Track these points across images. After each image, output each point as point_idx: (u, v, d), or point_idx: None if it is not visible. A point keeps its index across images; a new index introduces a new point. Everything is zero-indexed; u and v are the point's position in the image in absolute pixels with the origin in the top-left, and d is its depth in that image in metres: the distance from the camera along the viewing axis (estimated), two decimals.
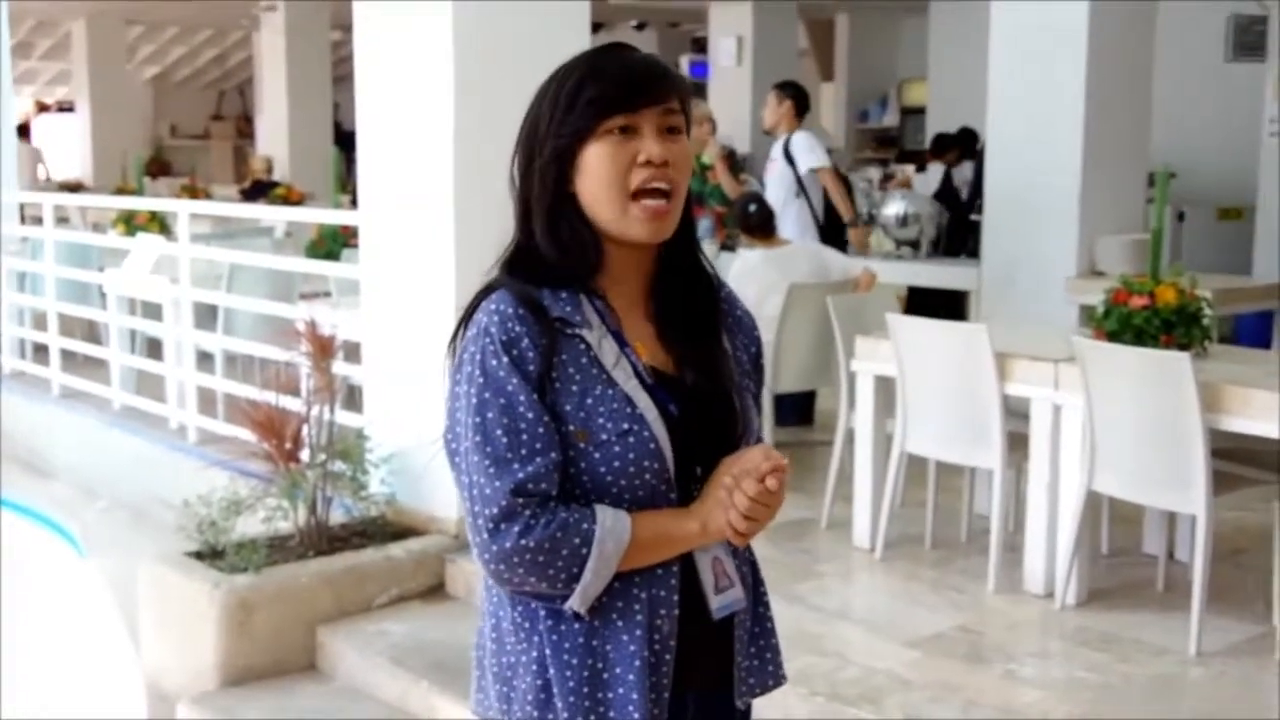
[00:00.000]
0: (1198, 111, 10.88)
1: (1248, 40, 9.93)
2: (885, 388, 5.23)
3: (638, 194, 1.84)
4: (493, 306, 1.86)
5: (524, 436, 1.80)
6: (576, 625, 1.85)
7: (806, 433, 7.14)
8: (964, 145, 10.28)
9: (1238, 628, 4.46)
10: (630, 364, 1.88)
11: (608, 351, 1.87)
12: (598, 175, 1.84)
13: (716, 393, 1.93)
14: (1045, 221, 7.09)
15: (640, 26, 19.01)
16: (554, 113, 1.85)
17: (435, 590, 5.01)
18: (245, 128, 20.75)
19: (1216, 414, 4.34)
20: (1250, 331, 8.61)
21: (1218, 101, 10.76)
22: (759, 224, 6.55)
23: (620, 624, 1.86)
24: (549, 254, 1.87)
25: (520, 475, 1.79)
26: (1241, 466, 4.68)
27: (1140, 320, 4.69)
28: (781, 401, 6.62)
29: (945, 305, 9.04)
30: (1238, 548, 5.19)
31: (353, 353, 5.76)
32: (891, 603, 4.90)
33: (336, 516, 5.17)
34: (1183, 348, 4.60)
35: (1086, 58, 6.88)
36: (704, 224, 7.65)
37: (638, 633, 1.85)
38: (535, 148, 1.88)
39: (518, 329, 1.83)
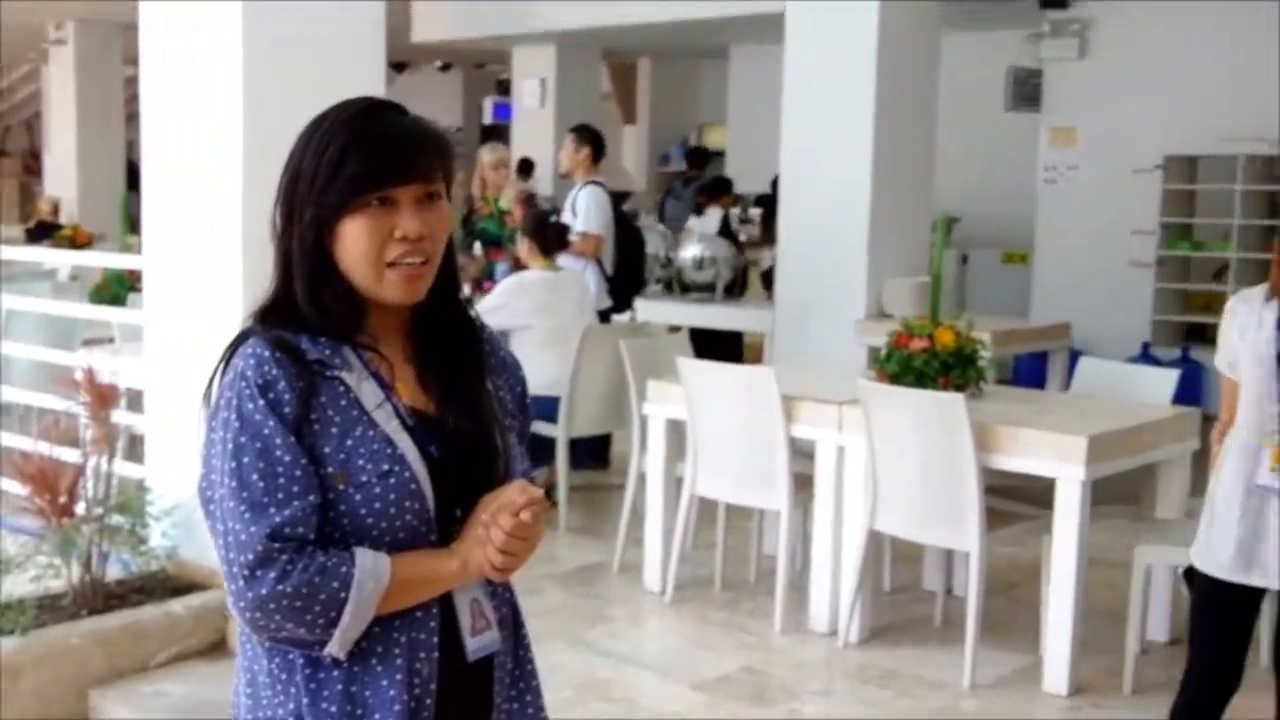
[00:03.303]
0: (981, 159, 11.34)
1: (1025, 92, 10.38)
2: (677, 431, 5.28)
3: (393, 263, 1.84)
4: (249, 351, 1.84)
5: (281, 480, 1.78)
6: (335, 673, 1.83)
7: (601, 476, 7.17)
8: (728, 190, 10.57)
9: (1009, 659, 4.62)
10: (392, 406, 1.88)
11: (368, 393, 1.86)
12: (354, 248, 1.83)
13: (478, 433, 1.93)
14: (836, 265, 7.28)
15: (445, 67, 18.99)
16: (315, 178, 1.84)
17: (217, 647, 4.86)
18: (32, 164, 20.01)
19: (990, 453, 4.49)
20: (1028, 371, 8.98)
21: (999, 150, 11.22)
22: (555, 238, 6.56)
23: (380, 669, 1.84)
24: (310, 313, 1.86)
25: (277, 520, 1.77)
26: (1014, 503, 4.86)
27: (920, 362, 4.83)
28: (577, 445, 6.64)
29: (725, 347, 9.20)
30: (1012, 582, 5.38)
31: (136, 401, 5.58)
32: (681, 646, 4.94)
33: (114, 572, 4.97)
34: (959, 389, 4.75)
35: (874, 107, 7.11)
36: (501, 267, 7.64)
37: (398, 677, 1.84)
38: (295, 207, 1.86)
39: (274, 372, 1.80)
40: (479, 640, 1.92)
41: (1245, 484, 3.19)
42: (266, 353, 1.82)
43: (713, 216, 9.94)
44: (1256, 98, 9.20)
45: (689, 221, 10.26)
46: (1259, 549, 3.17)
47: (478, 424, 1.94)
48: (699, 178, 11.30)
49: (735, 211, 11.01)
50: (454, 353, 1.96)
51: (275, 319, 1.88)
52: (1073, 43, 10.17)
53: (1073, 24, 10.19)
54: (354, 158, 1.83)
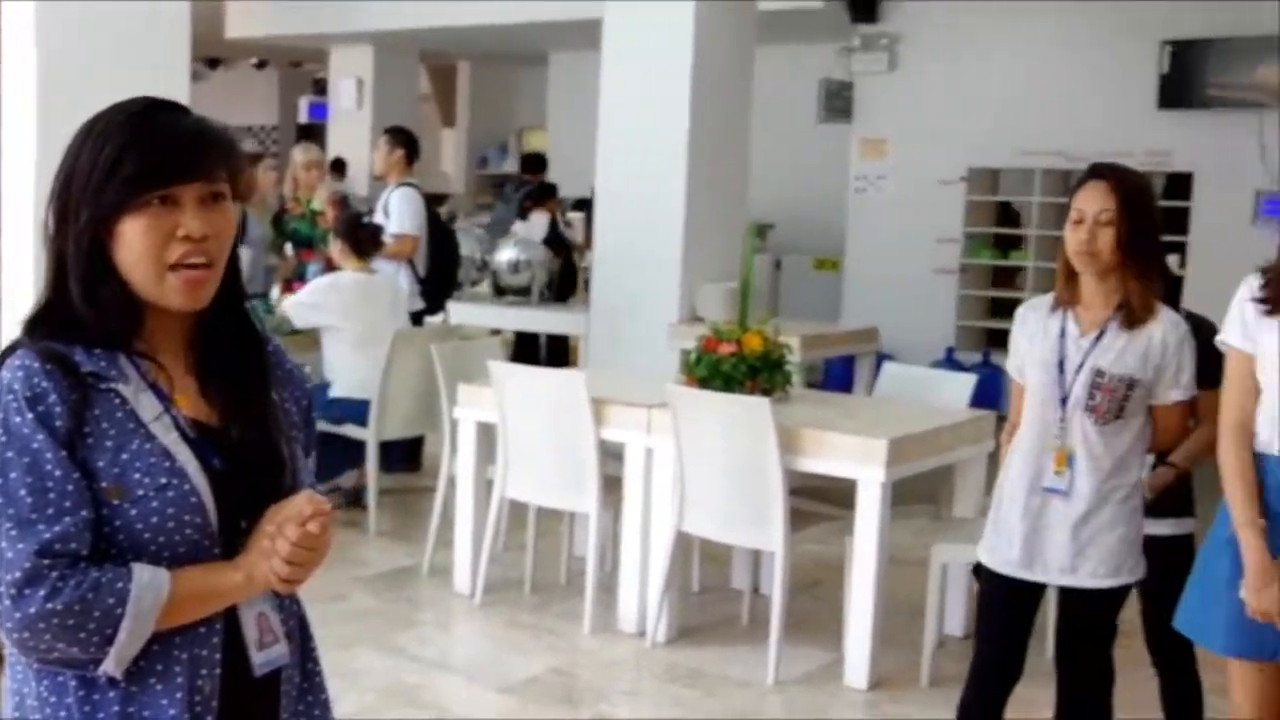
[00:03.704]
0: (795, 168, 11.56)
1: (837, 104, 10.63)
2: (487, 434, 5.27)
3: (176, 265, 1.80)
4: (16, 363, 1.77)
5: (51, 495, 1.72)
6: (111, 693, 1.77)
7: (413, 479, 7.11)
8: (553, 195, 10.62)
9: (813, 655, 4.72)
10: (171, 418, 1.82)
11: (146, 405, 1.81)
12: (134, 248, 1.78)
13: (263, 445, 1.90)
14: (650, 269, 7.34)
15: (261, 65, 18.60)
16: (90, 177, 1.78)
17: None
18: None
19: (795, 455, 4.59)
20: (838, 375, 9.19)
21: (812, 159, 11.46)
22: (369, 239, 6.49)
23: (159, 687, 1.78)
24: (85, 315, 1.80)
25: (47, 536, 1.71)
26: (819, 504, 4.97)
27: (728, 367, 4.91)
28: (388, 447, 6.58)
29: (553, 350, 9.22)
30: (817, 580, 5.50)
31: None
32: (489, 649, 4.93)
33: None
34: (766, 393, 4.84)
35: (689, 116, 7.19)
36: (313, 269, 7.52)
37: (178, 695, 1.79)
38: (70, 207, 1.80)
39: (44, 384, 1.74)
40: (266, 654, 1.89)
41: (1029, 485, 3.31)
42: (36, 364, 1.76)
43: (539, 222, 9.95)
44: (1053, 115, 9.58)
45: (514, 226, 10.24)
46: (1041, 547, 3.30)
47: (262, 435, 1.90)
48: (532, 183, 11.28)
49: (576, 216, 11.04)
50: (238, 363, 1.91)
51: (47, 329, 1.81)
52: (882, 56, 10.45)
53: (882, 38, 10.47)
54: (133, 156, 1.78)
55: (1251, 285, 2.95)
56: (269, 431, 1.91)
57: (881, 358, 7.75)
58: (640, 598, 4.91)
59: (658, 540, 4.86)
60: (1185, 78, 9.23)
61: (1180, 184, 9.37)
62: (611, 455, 5.06)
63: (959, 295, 10.14)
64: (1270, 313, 2.89)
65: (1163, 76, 9.27)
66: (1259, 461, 2.89)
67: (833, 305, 10.47)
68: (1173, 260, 9.13)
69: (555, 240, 9.51)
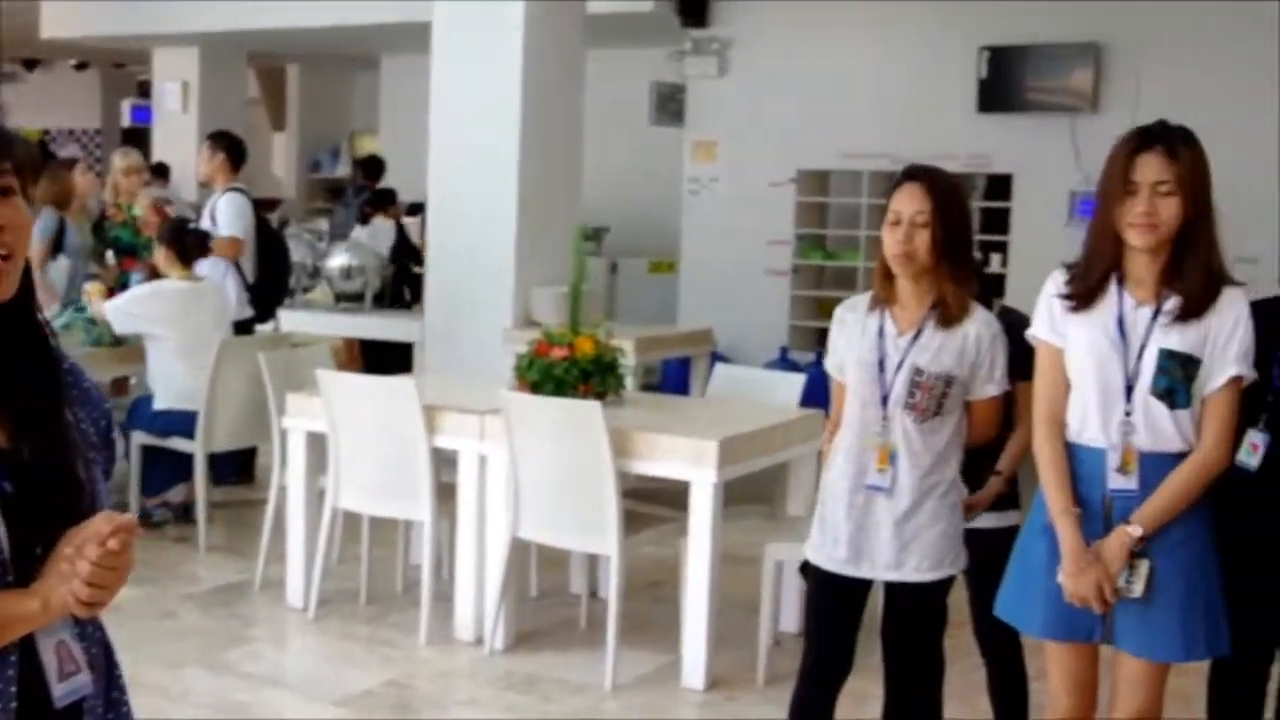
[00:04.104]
0: (629, 172, 11.61)
1: (669, 107, 10.71)
2: (319, 443, 5.18)
3: None
4: None
5: None
6: None
7: (246, 491, 6.96)
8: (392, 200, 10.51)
9: (651, 657, 4.75)
10: None
11: None
12: None
13: (58, 467, 1.82)
14: (484, 273, 7.30)
15: (81, 66, 18.04)
16: None
17: None
18: None
19: (628, 458, 4.61)
20: (675, 377, 9.25)
21: (646, 162, 11.52)
22: (194, 246, 6.34)
23: None
24: None
25: None
26: (655, 506, 5.00)
27: (560, 371, 4.90)
28: (219, 460, 6.44)
29: (398, 357, 9.09)
30: (655, 581, 5.53)
31: None
32: (323, 663, 4.85)
33: None
34: (599, 396, 4.85)
35: (520, 119, 7.17)
36: (136, 277, 7.30)
37: None
38: None
39: None
40: (67, 685, 1.81)
41: (852, 483, 3.37)
42: None
43: (382, 227, 9.83)
44: (879, 118, 9.78)
45: (354, 232, 10.08)
46: (867, 544, 3.36)
47: (57, 457, 1.82)
48: (370, 188, 11.11)
49: (412, 221, 10.89)
50: (30, 382, 1.84)
51: None
52: (713, 61, 10.55)
53: (713, 43, 10.57)
54: None
55: (1058, 281, 3.05)
56: (64, 452, 1.84)
57: (717, 359, 7.83)
58: (477, 606, 4.88)
59: (493, 547, 4.84)
60: (1003, 82, 9.50)
61: (1000, 185, 9.65)
62: (446, 462, 5.02)
63: (791, 296, 10.29)
64: (1075, 309, 2.99)
65: (982, 81, 9.52)
66: (1071, 451, 2.99)
67: (669, 307, 10.53)
68: (995, 259, 9.44)
69: (402, 246, 9.40)
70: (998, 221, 9.64)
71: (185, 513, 6.26)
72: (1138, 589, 2.88)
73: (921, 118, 9.66)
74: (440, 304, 7.47)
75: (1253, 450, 3.34)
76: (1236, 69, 8.71)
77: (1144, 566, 2.88)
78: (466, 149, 7.31)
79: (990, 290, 3.98)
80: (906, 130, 9.56)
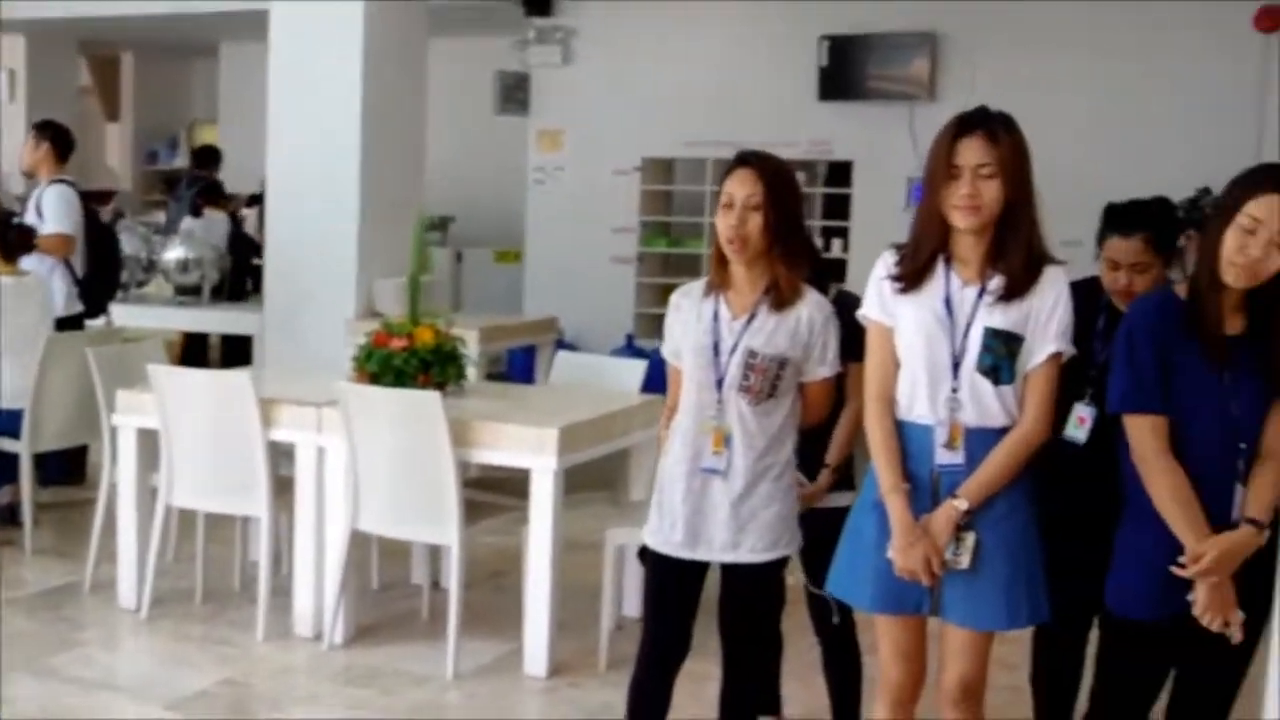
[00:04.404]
0: (474, 161, 11.53)
1: (514, 96, 10.66)
2: (151, 440, 5.04)
3: None
4: None
5: None
6: None
7: (76, 491, 6.73)
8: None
9: (493, 647, 4.72)
10: None
11: None
12: None
13: None
14: (325, 265, 7.18)
15: None
16: None
17: None
18: None
19: (468, 448, 4.57)
20: (521, 366, 9.22)
21: (490, 151, 11.45)
22: (17, 240, 6.11)
23: None
24: None
25: None
26: (498, 495, 4.96)
27: (400, 361, 4.83)
28: (47, 459, 6.23)
29: (235, 351, 8.91)
30: (499, 570, 5.50)
31: None
32: (156, 664, 4.72)
33: None
34: (440, 386, 4.79)
35: (361, 108, 7.06)
36: None
37: None
38: None
39: None
40: None
41: (689, 467, 3.38)
42: None
43: (216, 219, 9.59)
44: (722, 106, 9.86)
45: (184, 224, 9.82)
46: (704, 526, 3.38)
47: None
48: (206, 178, 10.81)
49: (251, 212, 10.65)
50: None
51: None
52: (557, 49, 10.53)
53: (557, 31, 10.55)
54: None
55: (887, 263, 3.09)
56: None
57: (563, 347, 7.82)
58: (316, 600, 4.80)
59: (332, 541, 4.76)
60: (843, 71, 9.65)
61: (841, 172, 9.80)
62: (283, 455, 4.92)
63: (637, 283, 10.33)
64: (904, 290, 3.03)
65: (822, 70, 9.66)
66: (901, 428, 3.03)
67: (515, 297, 10.50)
68: (836, 244, 9.58)
69: (237, 238, 9.18)
70: (839, 207, 9.79)
71: (11, 515, 6.04)
72: (964, 561, 2.94)
73: (764, 106, 9.77)
74: (280, 296, 7.33)
75: (1080, 424, 3.42)
76: (1062, 58, 8.99)
77: (970, 539, 2.94)
78: (306, 138, 7.18)
79: (828, 274, 4.03)
80: (749, 118, 9.66)
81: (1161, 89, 8.70)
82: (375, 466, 4.60)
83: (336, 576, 4.70)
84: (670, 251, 10.49)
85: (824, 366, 3.40)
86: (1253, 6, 8.21)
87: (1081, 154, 8.39)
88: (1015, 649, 3.81)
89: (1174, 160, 8.06)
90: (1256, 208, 2.72)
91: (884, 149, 9.41)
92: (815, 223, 9.82)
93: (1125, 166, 8.07)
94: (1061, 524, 3.22)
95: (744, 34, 9.94)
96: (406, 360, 4.84)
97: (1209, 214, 2.86)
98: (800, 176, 9.82)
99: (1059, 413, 3.35)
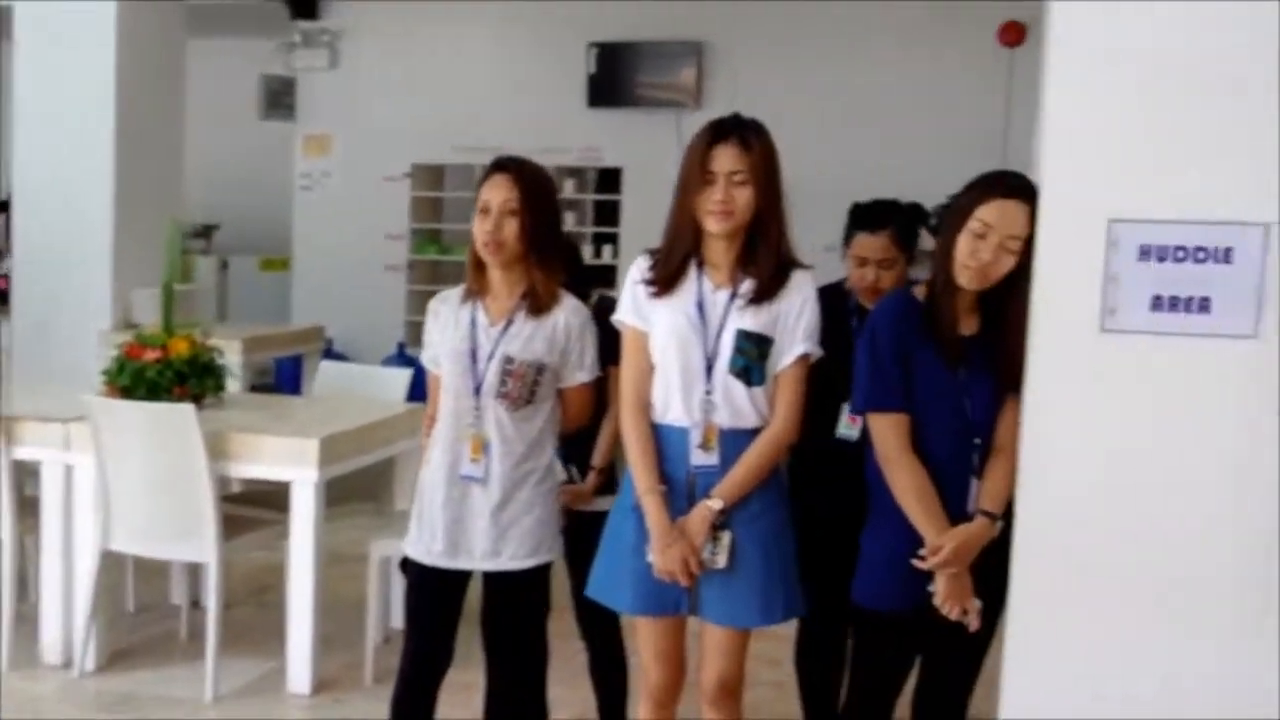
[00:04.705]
0: (239, 167, 11.23)
1: (279, 100, 10.43)
2: None
3: None
4: None
5: None
6: None
7: None
8: None
9: (255, 665, 4.60)
10: None
11: None
12: None
13: None
14: (78, 274, 6.90)
15: None
16: None
17: None
18: None
19: (227, 461, 4.44)
20: (289, 377, 9.01)
21: (256, 157, 11.17)
22: None
23: None
24: None
25: None
26: (260, 509, 4.83)
27: (153, 374, 4.67)
28: None
29: None
30: (263, 586, 5.37)
31: None
32: None
33: None
34: (196, 399, 4.64)
35: (115, 112, 6.80)
36: None
37: None
38: None
39: None
40: None
41: (448, 475, 3.36)
42: None
43: None
44: (493, 112, 9.84)
45: None
46: (464, 535, 3.35)
47: None
48: None
49: None
50: None
51: None
52: (324, 52, 10.35)
53: (323, 34, 10.37)
54: None
55: (641, 267, 3.12)
56: None
57: (333, 357, 7.68)
58: (65, 625, 4.59)
59: (82, 562, 4.56)
60: (612, 78, 9.74)
61: (611, 178, 9.88)
62: (29, 474, 4.70)
63: (408, 291, 10.22)
64: (658, 294, 3.06)
65: (591, 77, 9.73)
66: (657, 431, 3.06)
67: (284, 306, 10.27)
68: (607, 250, 9.65)
69: None
70: (609, 214, 9.86)
71: None
72: (721, 560, 2.98)
73: (534, 112, 9.78)
74: (29, 306, 7.00)
75: (852, 423, 3.51)
76: (823, 68, 9.25)
77: (726, 538, 2.99)
78: (56, 141, 6.88)
79: (592, 279, 4.05)
80: (520, 124, 9.66)
81: (915, 99, 9.04)
82: (128, 484, 4.43)
83: (87, 600, 4.51)
84: (441, 259, 10.41)
85: (582, 371, 3.42)
86: (997, 20, 8.59)
87: (840, 161, 8.65)
88: (780, 645, 3.89)
89: (926, 168, 8.36)
90: (986, 212, 2.84)
91: (652, 156, 9.52)
92: (586, 229, 9.88)
93: (881, 173, 8.33)
94: (835, 521, 3.30)
95: (514, 40, 9.94)
96: (160, 372, 4.68)
97: (944, 219, 2.97)
98: (570, 183, 9.95)
99: (829, 414, 3.46)
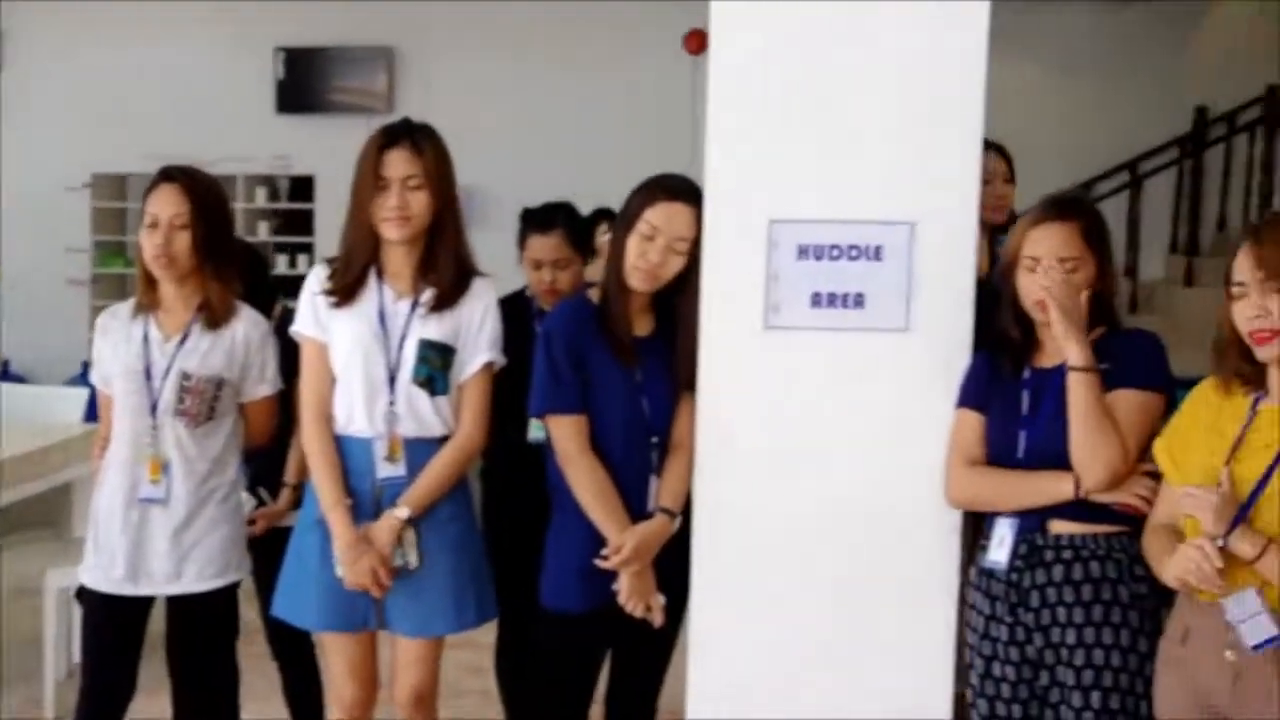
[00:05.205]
0: None
1: None
2: None
3: None
4: None
5: None
6: None
7: None
8: None
9: None
10: None
11: None
12: None
13: None
14: None
15: None
16: None
17: None
18: None
19: None
20: None
21: None
22: None
23: None
24: None
25: None
26: None
27: None
28: None
29: None
30: None
31: None
32: None
33: None
34: None
35: None
36: None
37: None
38: None
39: None
40: None
41: (126, 498, 3.23)
42: None
43: None
44: (181, 119, 9.46)
45: None
46: (144, 559, 3.23)
47: None
48: None
49: None
50: None
51: None
52: None
53: None
54: None
55: (320, 277, 3.08)
56: None
57: (11, 379, 7.27)
58: None
59: None
60: (301, 84, 9.55)
61: (304, 186, 9.67)
62: None
63: (92, 306, 9.75)
64: (338, 304, 3.03)
65: (279, 82, 9.52)
66: (340, 443, 3.02)
67: None
68: (301, 260, 9.45)
69: None
70: (302, 222, 9.67)
71: None
72: (413, 559, 2.97)
73: (222, 119, 9.49)
74: None
75: (542, 426, 3.51)
76: (515, 73, 9.30)
77: (411, 535, 2.97)
78: None
79: (277, 289, 3.96)
80: (207, 131, 9.34)
81: (607, 107, 9.18)
82: None
83: None
84: (127, 272, 9.95)
85: (264, 385, 3.35)
86: (683, 29, 8.81)
87: (533, 168, 8.65)
88: (483, 654, 3.90)
89: (618, 175, 8.46)
90: (654, 215, 2.91)
91: (345, 162, 9.02)
92: (279, 239, 9.67)
93: (573, 180, 8.37)
94: (527, 525, 3.31)
95: (198, 44, 9.60)
96: None
97: (614, 222, 3.04)
98: (261, 192, 9.69)
99: (519, 419, 3.47)
